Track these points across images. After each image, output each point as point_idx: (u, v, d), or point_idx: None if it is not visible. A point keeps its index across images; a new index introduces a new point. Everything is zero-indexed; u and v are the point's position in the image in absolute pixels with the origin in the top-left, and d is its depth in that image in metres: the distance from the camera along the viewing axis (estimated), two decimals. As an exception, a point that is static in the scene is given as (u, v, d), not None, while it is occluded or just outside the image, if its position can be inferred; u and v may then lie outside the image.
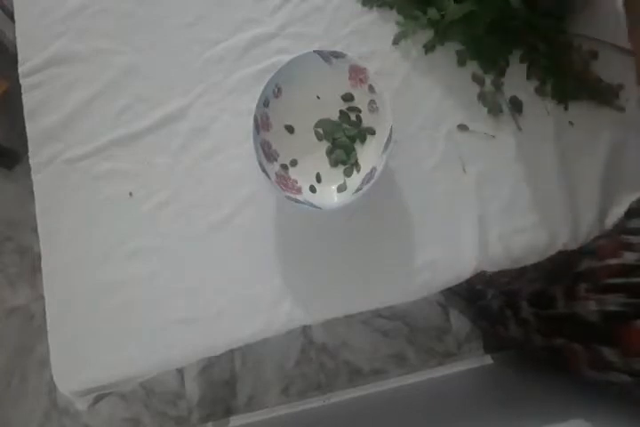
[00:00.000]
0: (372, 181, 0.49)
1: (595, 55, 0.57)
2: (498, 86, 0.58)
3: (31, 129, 0.65)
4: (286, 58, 0.52)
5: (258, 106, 0.52)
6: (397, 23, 0.60)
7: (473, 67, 0.59)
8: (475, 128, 0.57)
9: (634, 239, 0.56)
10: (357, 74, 0.53)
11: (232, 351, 0.59)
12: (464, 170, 0.57)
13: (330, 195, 0.54)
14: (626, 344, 0.54)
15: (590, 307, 0.58)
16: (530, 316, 0.76)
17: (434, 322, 1.23)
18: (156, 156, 0.62)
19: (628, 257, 0.56)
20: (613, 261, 0.57)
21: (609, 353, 0.56)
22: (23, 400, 1.33)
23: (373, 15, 0.62)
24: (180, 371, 1.27)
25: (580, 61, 0.57)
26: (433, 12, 0.56)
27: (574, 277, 0.63)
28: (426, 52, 0.60)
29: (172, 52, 0.64)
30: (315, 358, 1.24)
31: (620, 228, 0.56)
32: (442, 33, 0.58)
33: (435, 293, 0.56)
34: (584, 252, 0.57)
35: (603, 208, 0.55)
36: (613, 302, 0.55)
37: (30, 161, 0.64)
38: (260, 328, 0.55)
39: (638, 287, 0.53)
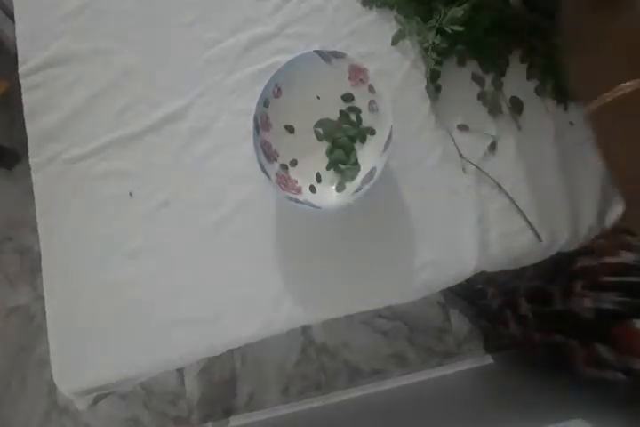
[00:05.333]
0: (372, 181, 0.49)
1: (595, 55, 0.57)
2: (498, 86, 0.58)
3: (31, 129, 0.65)
4: (286, 58, 0.52)
5: (258, 106, 0.52)
6: (395, 18, 0.59)
7: (473, 67, 0.59)
8: (475, 128, 0.57)
9: (632, 240, 0.56)
10: (357, 74, 0.53)
11: (232, 351, 0.59)
12: (464, 170, 0.57)
13: (330, 195, 0.54)
14: (620, 342, 0.54)
15: (586, 304, 0.58)
16: (528, 313, 0.76)
17: (434, 322, 1.23)
18: (156, 156, 0.62)
19: (626, 256, 0.56)
20: (611, 260, 0.57)
21: (604, 351, 0.56)
22: (23, 400, 1.33)
23: (373, 15, 0.62)
24: (180, 371, 1.27)
25: (579, 61, 0.57)
26: (433, 22, 0.56)
27: (571, 274, 0.63)
28: (426, 52, 0.60)
29: (172, 52, 0.64)
30: (315, 358, 1.24)
31: (620, 228, 0.56)
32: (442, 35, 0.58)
33: (435, 293, 0.56)
34: (582, 250, 0.57)
35: (603, 208, 0.55)
36: (609, 301, 0.55)
37: (30, 161, 0.64)
38: (260, 328, 0.55)
39: (634, 287, 0.53)
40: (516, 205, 0.55)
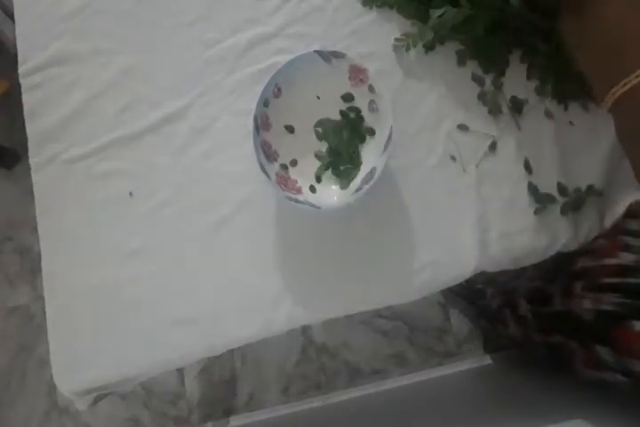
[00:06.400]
0: (372, 181, 0.49)
1: (595, 55, 0.57)
2: (498, 86, 0.58)
3: (31, 129, 0.65)
4: (286, 58, 0.52)
5: (258, 106, 0.52)
6: (396, 39, 0.59)
7: (473, 67, 0.59)
8: (475, 128, 0.57)
9: (632, 241, 0.56)
10: (357, 74, 0.53)
11: (232, 351, 0.59)
12: (464, 170, 0.57)
13: (330, 195, 0.54)
14: (619, 344, 0.54)
15: (585, 305, 0.58)
16: (528, 313, 0.76)
17: (434, 322, 1.23)
18: (156, 156, 0.62)
19: (626, 258, 0.56)
20: (610, 261, 0.57)
21: (603, 352, 0.56)
22: (23, 400, 1.33)
23: (373, 15, 0.62)
24: (180, 371, 1.27)
25: (580, 61, 0.57)
26: (434, 22, 0.56)
27: (571, 274, 0.63)
28: (426, 52, 0.60)
29: (172, 52, 0.64)
30: (315, 358, 1.24)
31: (619, 229, 0.56)
32: (442, 35, 0.58)
33: (435, 293, 0.56)
34: (582, 250, 0.57)
35: (602, 208, 0.55)
36: (608, 302, 0.55)
37: (30, 161, 0.64)
38: (260, 328, 0.55)
39: (633, 288, 0.53)
40: (516, 206, 0.55)
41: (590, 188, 0.55)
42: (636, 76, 0.37)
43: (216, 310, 0.56)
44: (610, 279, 0.56)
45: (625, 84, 0.38)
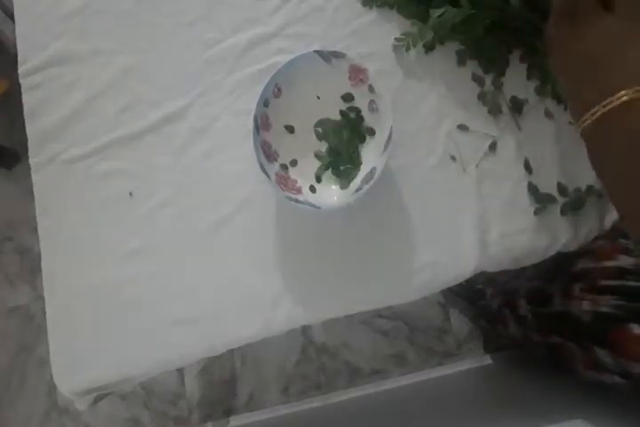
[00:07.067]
0: (372, 181, 0.49)
1: (595, 55, 0.57)
2: (498, 86, 0.58)
3: (31, 129, 0.65)
4: (286, 58, 0.52)
5: (258, 106, 0.52)
6: (396, 39, 0.59)
7: (473, 67, 0.59)
8: (475, 128, 0.57)
9: (632, 244, 0.57)
10: (357, 74, 0.53)
11: (232, 351, 0.59)
12: (464, 170, 0.57)
13: (330, 195, 0.54)
14: (617, 346, 0.54)
15: (584, 307, 0.58)
16: (527, 313, 0.76)
17: (434, 322, 1.23)
18: (156, 156, 0.62)
19: (625, 261, 0.56)
20: (609, 264, 0.57)
21: (602, 354, 0.56)
22: (23, 400, 1.33)
23: (373, 15, 0.62)
24: (180, 371, 1.28)
25: (580, 61, 0.57)
26: (434, 22, 0.56)
27: (570, 276, 0.63)
28: (426, 52, 0.60)
29: (172, 52, 0.64)
30: (315, 358, 1.24)
31: (619, 231, 0.56)
32: (442, 35, 0.58)
33: (435, 293, 0.56)
34: (582, 251, 0.57)
35: (603, 208, 0.55)
36: (607, 304, 0.55)
37: (30, 161, 0.64)
38: (260, 328, 0.55)
39: (632, 291, 0.53)
40: (517, 206, 0.55)
41: (590, 188, 0.55)
42: (618, 98, 0.36)
43: (216, 310, 0.56)
44: (609, 281, 0.56)
45: (606, 105, 0.37)
